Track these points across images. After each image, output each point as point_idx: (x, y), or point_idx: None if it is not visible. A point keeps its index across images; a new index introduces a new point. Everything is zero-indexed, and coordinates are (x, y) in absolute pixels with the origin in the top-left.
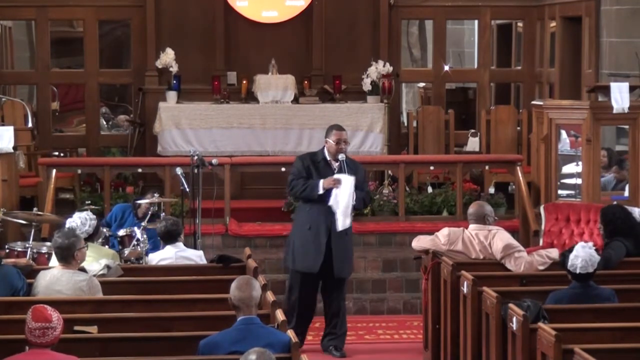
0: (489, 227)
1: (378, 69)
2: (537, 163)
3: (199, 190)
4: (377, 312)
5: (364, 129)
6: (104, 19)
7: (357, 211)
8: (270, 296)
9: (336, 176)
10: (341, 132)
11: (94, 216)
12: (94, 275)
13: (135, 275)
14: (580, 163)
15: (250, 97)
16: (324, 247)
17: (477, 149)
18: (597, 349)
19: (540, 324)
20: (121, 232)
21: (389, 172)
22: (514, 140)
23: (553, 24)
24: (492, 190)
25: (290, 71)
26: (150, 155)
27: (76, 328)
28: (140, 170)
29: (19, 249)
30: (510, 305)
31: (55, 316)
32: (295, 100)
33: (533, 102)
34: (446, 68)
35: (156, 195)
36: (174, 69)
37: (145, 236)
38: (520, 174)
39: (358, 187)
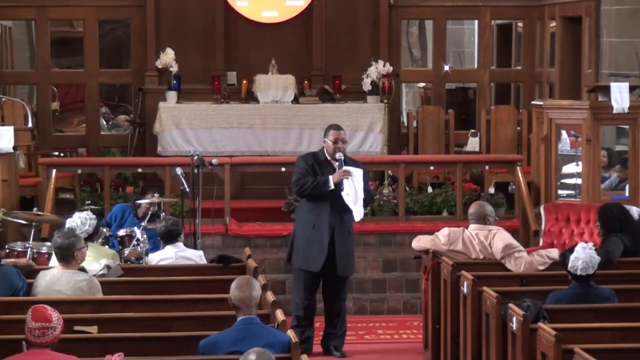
0: (489, 227)
1: (378, 69)
2: (537, 163)
3: (199, 190)
4: (377, 312)
5: (364, 129)
6: (104, 19)
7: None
8: (270, 296)
9: (345, 168)
10: (338, 131)
11: (94, 216)
12: (94, 275)
13: (135, 275)
14: (580, 163)
15: (250, 97)
16: (327, 245)
17: (477, 149)
18: (597, 349)
19: (540, 324)
20: (121, 232)
21: (389, 172)
22: (514, 140)
23: (553, 24)
24: (492, 190)
25: (290, 71)
26: (150, 155)
27: (76, 328)
28: (140, 170)
29: (19, 249)
30: (510, 305)
31: (55, 316)
32: (295, 100)
33: (533, 102)
34: (446, 68)
35: (156, 195)
36: (174, 69)
37: (145, 236)
38: (520, 174)
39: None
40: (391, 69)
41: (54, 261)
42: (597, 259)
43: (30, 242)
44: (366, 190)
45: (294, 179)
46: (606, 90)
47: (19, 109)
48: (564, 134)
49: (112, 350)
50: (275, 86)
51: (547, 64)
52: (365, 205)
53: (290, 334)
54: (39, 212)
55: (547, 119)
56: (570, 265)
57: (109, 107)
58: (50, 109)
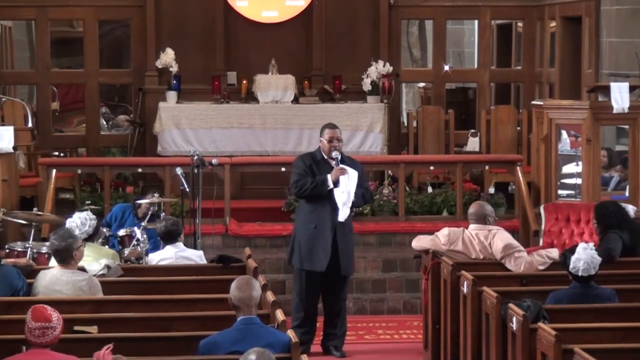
0: (489, 227)
1: (378, 69)
2: (537, 163)
3: (199, 190)
4: (377, 312)
5: (364, 129)
6: (104, 19)
7: (357, 209)
8: (270, 296)
9: (341, 165)
10: (334, 130)
11: (94, 216)
12: (94, 275)
13: (135, 275)
14: (580, 163)
15: (250, 97)
16: (330, 245)
17: (477, 149)
18: (597, 349)
19: (540, 324)
20: (121, 232)
21: (389, 172)
22: (514, 140)
23: (553, 24)
24: (492, 190)
25: (290, 71)
26: (150, 155)
27: (76, 328)
28: (140, 170)
29: (19, 249)
30: (510, 305)
31: (55, 316)
32: (295, 100)
33: (533, 102)
34: (446, 68)
35: (156, 195)
36: (174, 69)
37: (145, 236)
38: (520, 174)
39: (357, 184)
40: (391, 69)
41: (54, 261)
42: (599, 259)
43: (30, 242)
44: (365, 188)
45: (292, 180)
46: (606, 90)
47: (19, 109)
48: (564, 134)
49: (113, 350)
50: (275, 86)
51: (547, 64)
52: (364, 202)
53: (290, 334)
54: (39, 212)
55: (547, 119)
56: (571, 266)
57: (109, 107)
58: (50, 109)
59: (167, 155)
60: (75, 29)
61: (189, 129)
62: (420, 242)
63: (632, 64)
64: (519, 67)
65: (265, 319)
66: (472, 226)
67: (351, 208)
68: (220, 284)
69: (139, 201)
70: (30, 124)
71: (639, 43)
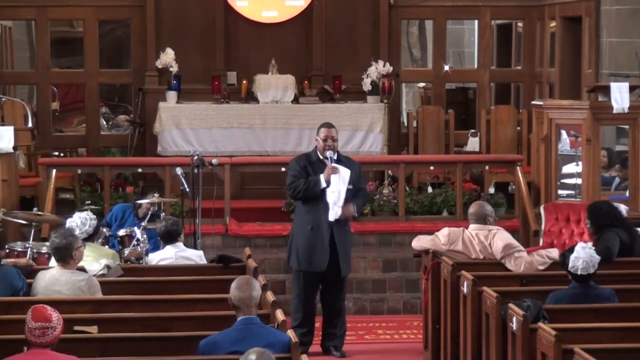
0: (489, 227)
1: (378, 69)
2: (537, 163)
3: (199, 190)
4: (377, 312)
5: (364, 129)
6: (104, 19)
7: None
8: (270, 296)
9: (333, 164)
10: (329, 129)
11: (94, 216)
12: (94, 275)
13: (135, 275)
14: (580, 163)
15: (250, 97)
16: (327, 245)
17: (477, 149)
18: (597, 349)
19: (540, 324)
20: (121, 232)
21: (389, 172)
22: (514, 140)
23: (553, 24)
24: (492, 190)
25: (290, 71)
26: (150, 155)
27: (76, 328)
28: (140, 170)
29: (19, 249)
30: (510, 305)
31: (55, 316)
32: (295, 100)
33: (533, 102)
34: (446, 68)
35: (156, 195)
36: (174, 69)
37: (145, 236)
38: (520, 174)
39: (354, 184)
40: (391, 69)
41: (54, 261)
42: (597, 258)
43: (30, 242)
44: (362, 188)
45: (287, 182)
46: (606, 90)
47: (19, 109)
48: (564, 134)
49: (113, 350)
50: (275, 86)
51: (547, 64)
52: (362, 204)
53: (290, 334)
54: (39, 212)
55: (547, 119)
56: (570, 265)
57: (109, 107)
58: (50, 109)
59: (167, 155)
60: (75, 29)
61: (189, 129)
62: (420, 242)
63: (632, 64)
64: (519, 67)
65: (265, 319)
66: (472, 226)
67: (357, 209)
68: (220, 284)
69: (139, 201)
70: (30, 124)
71: (639, 43)
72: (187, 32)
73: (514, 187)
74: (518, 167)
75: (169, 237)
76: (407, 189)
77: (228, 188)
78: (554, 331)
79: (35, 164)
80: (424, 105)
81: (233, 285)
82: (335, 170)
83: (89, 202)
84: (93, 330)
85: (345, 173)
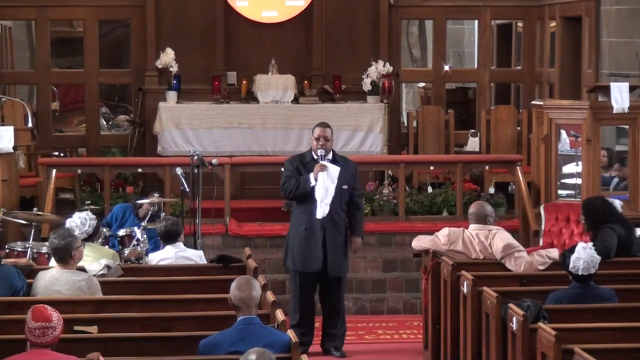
0: (489, 227)
1: (378, 69)
2: (537, 163)
3: (199, 190)
4: (377, 312)
5: (364, 129)
6: (104, 19)
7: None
8: (270, 296)
9: (322, 162)
10: (323, 129)
11: (94, 216)
12: (94, 275)
13: (135, 275)
14: (580, 163)
15: (250, 97)
16: (320, 246)
17: (477, 149)
18: (597, 349)
19: (540, 324)
20: (121, 232)
21: (389, 172)
22: (514, 140)
23: (553, 24)
24: (492, 190)
25: (290, 71)
26: (150, 155)
27: (76, 328)
28: (140, 170)
29: (19, 249)
30: (510, 305)
31: (55, 316)
32: (295, 100)
33: (533, 102)
34: (446, 68)
35: (156, 195)
36: (174, 69)
37: (145, 236)
38: (520, 174)
39: (349, 184)
40: (391, 69)
41: (54, 261)
42: (598, 258)
43: (30, 242)
44: (357, 195)
45: (281, 182)
46: (606, 90)
47: (19, 109)
48: (564, 134)
49: (113, 350)
50: (275, 86)
51: (547, 64)
52: (362, 218)
53: (290, 334)
54: (39, 212)
55: (547, 119)
56: (571, 265)
57: (109, 107)
58: (50, 109)
59: (167, 155)
60: (75, 29)
61: (189, 129)
62: (420, 242)
63: (632, 64)
64: (519, 67)
65: (265, 319)
66: (472, 226)
67: (361, 233)
68: (220, 284)
69: (139, 201)
70: (30, 124)
71: (639, 43)
72: (187, 32)
73: (514, 187)
74: (518, 167)
75: (169, 237)
76: (407, 189)
77: (228, 188)
78: (554, 331)
79: (35, 164)
80: (424, 105)
81: (233, 285)
82: (323, 168)
83: (89, 202)
84: (93, 330)
85: (334, 171)
